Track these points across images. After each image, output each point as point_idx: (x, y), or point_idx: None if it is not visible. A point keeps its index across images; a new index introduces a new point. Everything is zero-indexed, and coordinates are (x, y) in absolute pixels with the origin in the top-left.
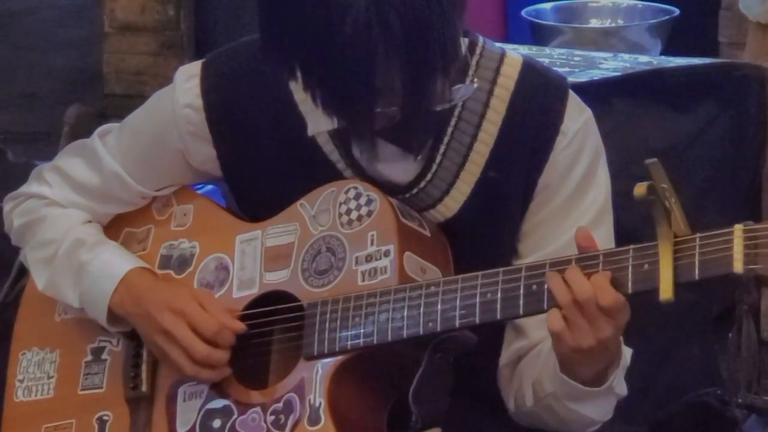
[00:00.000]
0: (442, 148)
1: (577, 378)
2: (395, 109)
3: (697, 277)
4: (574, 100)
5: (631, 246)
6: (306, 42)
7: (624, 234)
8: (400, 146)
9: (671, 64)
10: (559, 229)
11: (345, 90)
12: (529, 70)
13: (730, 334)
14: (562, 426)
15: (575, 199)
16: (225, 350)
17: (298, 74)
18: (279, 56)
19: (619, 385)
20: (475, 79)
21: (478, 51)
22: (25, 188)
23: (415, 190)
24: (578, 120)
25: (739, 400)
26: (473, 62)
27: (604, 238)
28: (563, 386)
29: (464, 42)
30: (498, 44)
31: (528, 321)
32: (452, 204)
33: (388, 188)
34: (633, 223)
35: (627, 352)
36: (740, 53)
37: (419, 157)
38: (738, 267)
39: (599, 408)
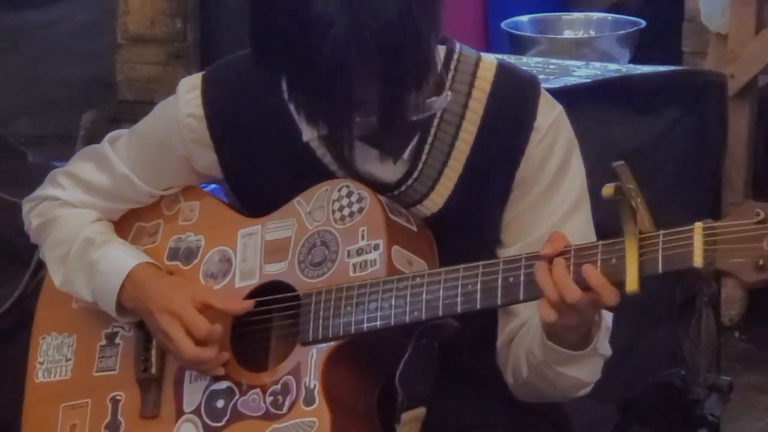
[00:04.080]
0: (426, 148)
1: (563, 344)
2: (373, 119)
3: (660, 271)
4: (545, 98)
5: (600, 242)
6: (290, 59)
7: (594, 227)
8: (381, 150)
9: (638, 72)
10: (539, 219)
11: (325, 102)
12: (503, 72)
13: (693, 321)
14: (556, 392)
15: (552, 189)
16: (214, 349)
17: (284, 86)
18: (267, 70)
19: (602, 346)
20: (449, 94)
21: (455, 57)
22: (40, 191)
23: (402, 188)
24: (550, 116)
25: (701, 381)
26: (451, 67)
27: (582, 225)
28: (551, 353)
29: (442, 49)
30: (473, 49)
31: (518, 305)
32: (437, 199)
33: (377, 187)
34: (601, 217)
35: (608, 316)
36: (702, 61)
37: (406, 157)
38: (698, 262)
39: (587, 369)
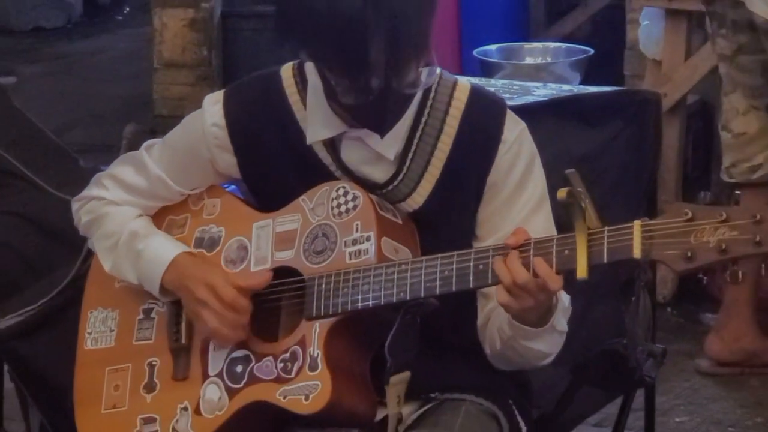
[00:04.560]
0: (410, 155)
1: (525, 323)
2: (379, 80)
3: (605, 261)
4: (510, 116)
5: (555, 236)
6: (315, 28)
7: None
8: (376, 129)
9: (587, 91)
10: (507, 217)
11: (347, 64)
12: (475, 94)
13: (633, 300)
14: (524, 361)
15: (517, 192)
16: (243, 314)
17: (307, 53)
18: (293, 42)
19: (559, 323)
20: (435, 72)
21: (436, 80)
22: (87, 192)
23: (390, 187)
24: (514, 131)
25: (640, 349)
26: (432, 88)
27: (543, 221)
28: (517, 330)
29: (426, 70)
30: (451, 74)
31: (492, 289)
32: (418, 198)
33: (369, 186)
34: (557, 213)
35: (565, 298)
36: (640, 83)
37: (393, 159)
38: (637, 254)
39: (547, 343)
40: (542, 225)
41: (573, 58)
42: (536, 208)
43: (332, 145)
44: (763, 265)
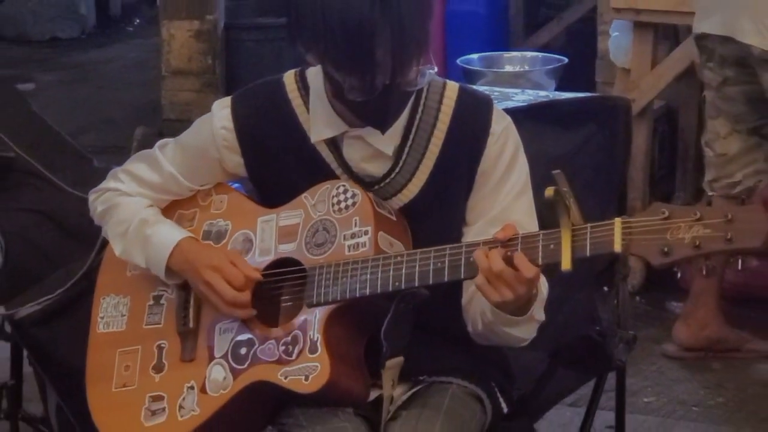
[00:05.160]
0: (406, 149)
1: (505, 311)
2: (384, 77)
3: (588, 255)
4: (497, 110)
5: (541, 232)
6: (327, 31)
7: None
8: (378, 126)
9: (562, 97)
10: (495, 201)
11: (356, 62)
12: (464, 92)
13: (606, 288)
14: (502, 341)
15: (504, 178)
16: (247, 295)
17: (317, 53)
18: (303, 42)
19: (537, 313)
20: (429, 73)
21: (428, 80)
22: (103, 184)
23: (388, 180)
24: (501, 124)
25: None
26: (424, 88)
27: (526, 204)
28: (498, 316)
29: (423, 70)
30: (440, 77)
31: None
32: (414, 188)
33: (367, 180)
34: (538, 208)
35: (544, 288)
36: (611, 89)
37: (390, 154)
38: (617, 248)
39: (525, 330)
40: (525, 208)
41: (549, 67)
42: (520, 193)
43: (334, 144)
44: (733, 259)
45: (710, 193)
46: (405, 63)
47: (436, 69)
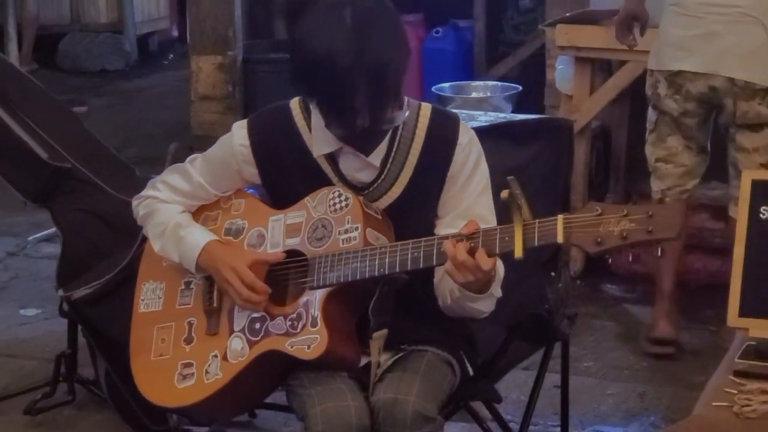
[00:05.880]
0: (390, 160)
1: (469, 290)
2: (363, 121)
3: (536, 245)
4: (463, 125)
5: (498, 227)
6: (316, 80)
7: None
8: (363, 152)
9: (517, 119)
10: (462, 198)
11: (334, 107)
12: (435, 111)
13: (552, 274)
14: (467, 314)
15: (469, 180)
16: (260, 294)
17: (308, 96)
18: (299, 89)
19: (496, 290)
20: (405, 114)
21: (406, 103)
22: (144, 192)
23: (375, 185)
24: (467, 136)
25: (558, 312)
26: (404, 107)
27: (487, 201)
28: (463, 293)
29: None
30: (415, 100)
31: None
32: (396, 190)
33: (359, 186)
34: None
35: (501, 270)
36: (557, 112)
37: (377, 165)
38: (560, 239)
39: (485, 304)
40: (486, 204)
41: (506, 93)
42: (482, 192)
43: (332, 157)
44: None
45: (659, 197)
46: (380, 109)
47: (408, 111)
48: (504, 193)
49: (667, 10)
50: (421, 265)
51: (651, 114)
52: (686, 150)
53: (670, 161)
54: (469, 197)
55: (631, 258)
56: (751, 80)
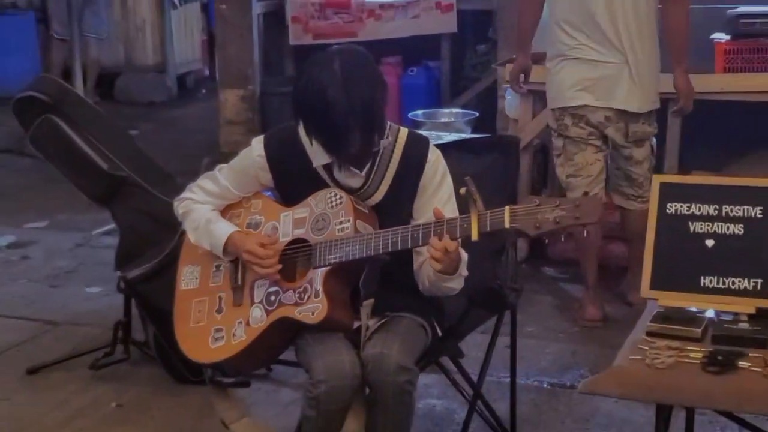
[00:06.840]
0: (374, 171)
1: (444, 272)
2: (356, 150)
3: (489, 230)
4: (431, 146)
5: (458, 216)
6: (315, 120)
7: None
8: (356, 167)
9: (476, 137)
10: (431, 204)
11: (334, 142)
12: (410, 134)
13: (503, 258)
14: (441, 293)
15: (437, 190)
16: (273, 267)
17: (312, 134)
18: (301, 124)
19: (463, 270)
20: (387, 141)
21: (388, 127)
22: (183, 195)
23: (362, 190)
24: (435, 154)
25: (508, 287)
26: (386, 133)
27: (452, 207)
28: (439, 276)
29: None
30: (395, 124)
31: (423, 248)
32: (379, 195)
33: (350, 190)
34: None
35: (464, 255)
36: (506, 132)
37: (363, 175)
38: (507, 225)
39: (457, 282)
40: (451, 209)
41: (466, 118)
42: (448, 200)
43: (329, 167)
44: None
45: (584, 191)
46: (370, 140)
47: (388, 125)
48: (462, 190)
49: (561, 62)
50: (399, 248)
51: (557, 141)
52: (595, 162)
53: (578, 174)
54: (437, 203)
55: (563, 239)
56: (634, 110)
